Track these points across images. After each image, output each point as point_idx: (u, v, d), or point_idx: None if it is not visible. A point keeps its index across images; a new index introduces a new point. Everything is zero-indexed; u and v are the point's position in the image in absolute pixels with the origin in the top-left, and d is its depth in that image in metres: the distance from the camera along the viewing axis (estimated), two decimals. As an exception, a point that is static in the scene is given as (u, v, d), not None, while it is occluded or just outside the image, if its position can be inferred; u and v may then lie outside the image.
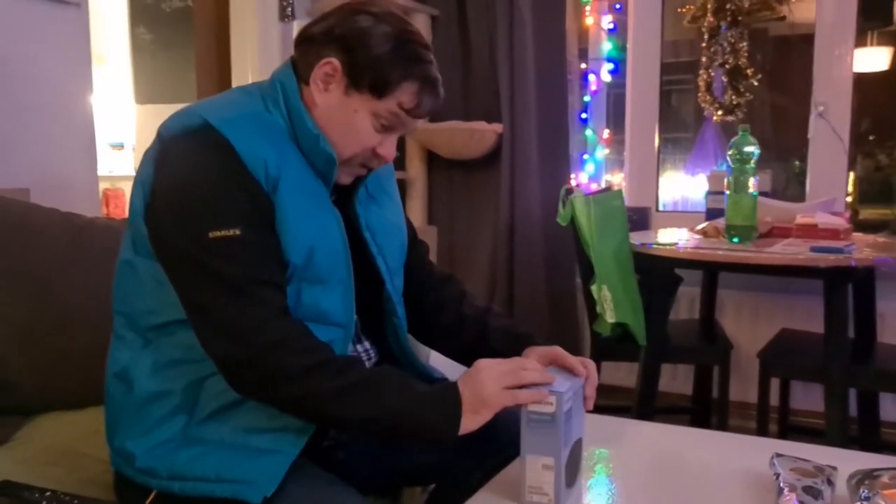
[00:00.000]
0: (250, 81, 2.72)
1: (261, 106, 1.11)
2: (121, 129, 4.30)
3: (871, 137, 3.63)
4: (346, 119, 1.10)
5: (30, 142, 1.90)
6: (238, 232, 1.01)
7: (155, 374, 1.10)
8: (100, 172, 2.16)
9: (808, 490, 0.96)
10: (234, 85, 2.68)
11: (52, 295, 1.47)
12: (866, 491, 0.95)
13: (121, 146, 4.34)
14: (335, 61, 1.08)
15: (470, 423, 1.04)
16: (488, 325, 1.28)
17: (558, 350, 1.17)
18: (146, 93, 3.96)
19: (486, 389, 1.03)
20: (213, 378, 1.07)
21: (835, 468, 1.03)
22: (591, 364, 1.14)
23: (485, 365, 1.07)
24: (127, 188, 4.42)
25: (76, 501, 1.09)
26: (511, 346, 1.22)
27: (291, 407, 1.04)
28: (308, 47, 1.11)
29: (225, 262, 1.01)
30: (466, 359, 1.17)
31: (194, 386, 1.10)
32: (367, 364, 1.23)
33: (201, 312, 1.03)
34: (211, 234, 1.01)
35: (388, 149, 1.15)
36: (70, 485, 1.20)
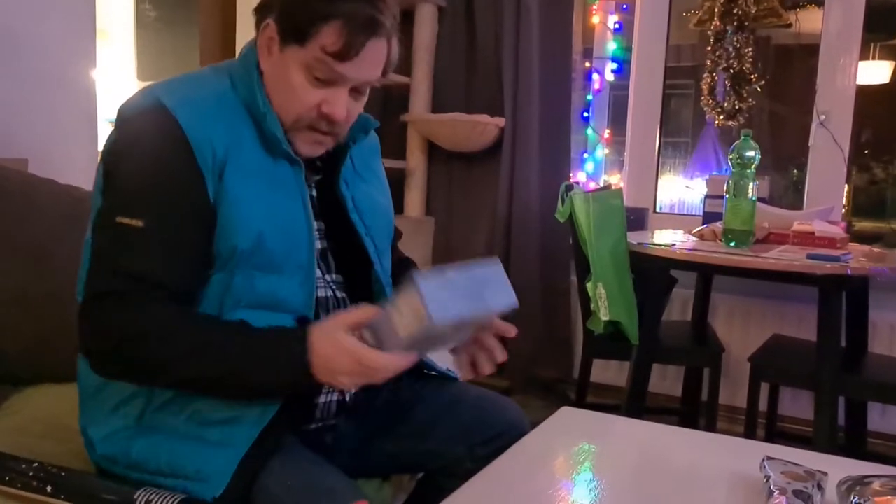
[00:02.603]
0: None
1: (227, 84, 1.09)
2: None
3: (866, 151, 3.65)
4: (284, 78, 1.07)
5: (30, 113, 1.88)
6: (140, 224, 1.00)
7: None
8: (99, 148, 2.15)
9: (798, 494, 0.96)
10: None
11: (48, 266, 1.46)
12: (857, 497, 0.95)
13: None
14: (272, 22, 1.07)
15: (322, 381, 1.01)
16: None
17: None
18: (149, 70, 3.93)
19: (337, 375, 0.99)
20: None
21: (825, 473, 1.03)
22: None
23: (344, 350, 0.98)
24: None
25: (63, 474, 1.08)
26: None
27: (144, 378, 1.05)
28: (259, 17, 1.11)
29: (117, 250, 1.01)
30: None
31: None
32: None
33: (89, 280, 1.04)
34: (117, 219, 1.01)
35: (334, 107, 1.07)
36: (58, 457, 1.18)
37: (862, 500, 0.94)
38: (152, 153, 1.02)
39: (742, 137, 2.27)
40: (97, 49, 2.06)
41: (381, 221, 1.24)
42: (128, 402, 1.08)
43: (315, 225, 1.14)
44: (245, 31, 2.62)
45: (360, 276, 1.23)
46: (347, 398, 1.22)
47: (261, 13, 1.11)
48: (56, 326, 1.46)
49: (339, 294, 1.20)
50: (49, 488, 1.06)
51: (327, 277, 1.19)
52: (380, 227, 1.24)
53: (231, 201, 1.03)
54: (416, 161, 3.35)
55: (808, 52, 3.10)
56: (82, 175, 1.78)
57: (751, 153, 2.25)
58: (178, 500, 1.00)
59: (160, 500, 1.00)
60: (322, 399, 1.19)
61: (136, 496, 1.01)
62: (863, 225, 3.57)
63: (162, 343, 0.99)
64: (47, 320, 1.46)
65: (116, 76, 4.17)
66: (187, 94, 1.06)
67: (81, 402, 1.15)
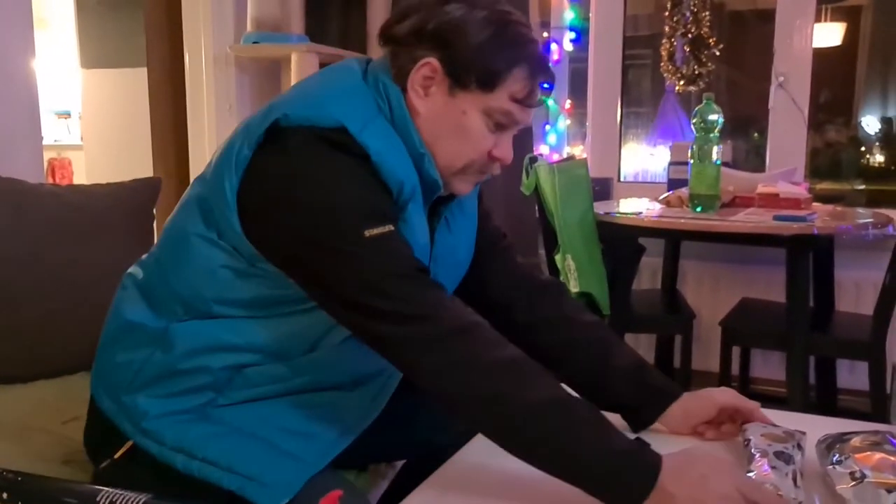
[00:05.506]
0: (203, 47, 2.56)
1: (377, 110, 1.00)
2: (66, 96, 4.13)
3: (820, 114, 3.68)
4: (456, 123, 1.00)
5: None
6: (391, 228, 0.94)
7: (198, 349, 1.02)
8: (45, 141, 2.07)
9: (779, 455, 0.95)
10: (185, 50, 2.56)
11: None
12: (837, 455, 0.95)
13: (67, 114, 4.22)
14: (433, 61, 0.98)
15: None
16: (609, 362, 1.12)
17: (730, 394, 1.10)
18: (93, 57, 3.79)
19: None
20: (255, 369, 1.02)
21: (804, 433, 1.03)
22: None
23: (718, 479, 0.85)
24: (74, 157, 4.33)
25: (20, 478, 1.03)
26: (641, 397, 1.09)
27: (471, 403, 0.92)
28: (396, 50, 1.01)
29: (387, 257, 0.93)
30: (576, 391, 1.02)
31: (232, 370, 1.03)
32: None
33: (366, 308, 0.92)
34: (367, 234, 0.92)
35: (505, 150, 1.04)
36: (17, 460, 1.15)
37: (842, 458, 0.93)
38: (354, 173, 0.94)
39: (704, 101, 2.27)
40: (35, 38, 1.97)
41: (451, 273, 1.14)
42: (197, 391, 1.03)
43: None
44: (191, 13, 2.53)
45: None
46: None
47: (401, 47, 1.01)
48: (7, 327, 1.40)
49: None
50: (5, 495, 1.01)
51: None
52: (447, 278, 1.12)
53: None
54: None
55: (761, 17, 3.11)
56: (26, 171, 1.70)
57: (713, 116, 2.24)
58: (142, 500, 0.95)
59: (124, 502, 0.96)
60: None
61: (98, 498, 0.97)
62: (822, 186, 3.61)
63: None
64: (-2, 321, 1.40)
65: (58, 65, 4.05)
66: (360, 118, 0.96)
67: (135, 374, 1.05)
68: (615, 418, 1.05)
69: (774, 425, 1.04)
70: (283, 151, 0.95)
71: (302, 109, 0.96)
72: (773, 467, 0.92)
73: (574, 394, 0.96)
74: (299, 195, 0.94)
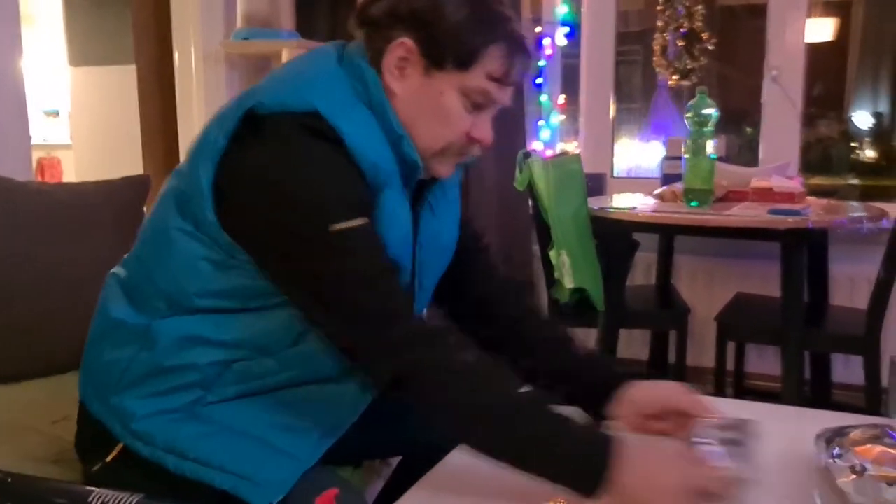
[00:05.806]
0: (192, 42, 2.54)
1: (353, 94, 0.99)
2: (55, 95, 4.12)
3: (811, 109, 3.69)
4: (433, 104, 0.99)
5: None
6: (360, 222, 0.93)
7: (182, 345, 1.01)
8: (33, 141, 2.05)
9: (724, 441, 0.93)
10: (174, 46, 2.55)
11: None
12: (837, 448, 0.94)
13: (56, 113, 4.20)
14: (408, 41, 0.97)
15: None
16: (565, 357, 1.16)
17: (675, 391, 1.07)
18: (81, 55, 3.77)
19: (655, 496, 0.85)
20: (243, 364, 1.01)
21: (757, 421, 0.98)
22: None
23: (667, 471, 0.87)
24: (64, 157, 4.33)
25: (10, 479, 1.01)
26: (594, 389, 1.10)
27: (430, 407, 0.95)
28: (371, 32, 1.00)
29: (351, 255, 0.92)
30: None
31: (219, 365, 1.01)
32: None
33: (328, 306, 0.93)
34: (332, 228, 0.91)
35: (484, 131, 1.02)
36: (7, 459, 1.14)
37: (842, 451, 0.93)
38: (326, 160, 0.93)
39: (698, 95, 2.26)
40: (23, 35, 1.95)
41: (436, 260, 1.14)
42: (185, 389, 1.01)
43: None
44: (179, 9, 2.51)
45: None
46: None
47: (375, 29, 1.00)
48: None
49: None
50: (-7, 496, 0.99)
51: None
52: (433, 265, 1.14)
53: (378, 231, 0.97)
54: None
55: (753, 12, 3.10)
56: (13, 168, 1.68)
57: (707, 110, 2.23)
58: (134, 500, 0.94)
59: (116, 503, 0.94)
60: None
61: (90, 499, 0.95)
62: (814, 181, 3.61)
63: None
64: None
65: (46, 63, 4.03)
66: (335, 102, 0.95)
67: (122, 373, 1.04)
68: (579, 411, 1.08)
69: (716, 417, 1.02)
70: (260, 141, 0.94)
71: (277, 95, 0.95)
72: (718, 452, 0.90)
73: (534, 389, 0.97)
74: (274, 187, 0.93)
